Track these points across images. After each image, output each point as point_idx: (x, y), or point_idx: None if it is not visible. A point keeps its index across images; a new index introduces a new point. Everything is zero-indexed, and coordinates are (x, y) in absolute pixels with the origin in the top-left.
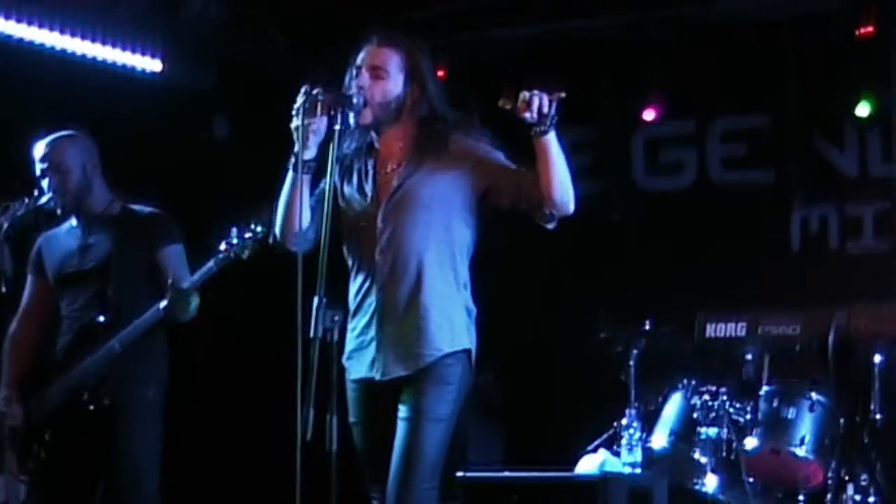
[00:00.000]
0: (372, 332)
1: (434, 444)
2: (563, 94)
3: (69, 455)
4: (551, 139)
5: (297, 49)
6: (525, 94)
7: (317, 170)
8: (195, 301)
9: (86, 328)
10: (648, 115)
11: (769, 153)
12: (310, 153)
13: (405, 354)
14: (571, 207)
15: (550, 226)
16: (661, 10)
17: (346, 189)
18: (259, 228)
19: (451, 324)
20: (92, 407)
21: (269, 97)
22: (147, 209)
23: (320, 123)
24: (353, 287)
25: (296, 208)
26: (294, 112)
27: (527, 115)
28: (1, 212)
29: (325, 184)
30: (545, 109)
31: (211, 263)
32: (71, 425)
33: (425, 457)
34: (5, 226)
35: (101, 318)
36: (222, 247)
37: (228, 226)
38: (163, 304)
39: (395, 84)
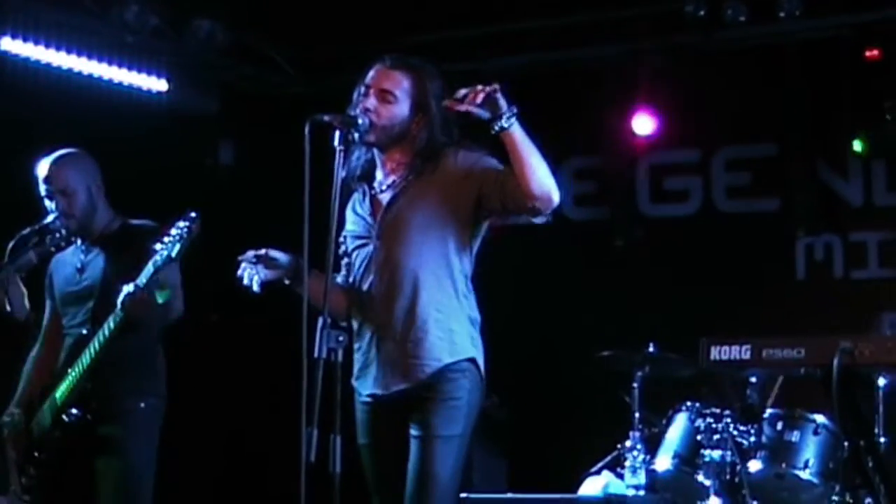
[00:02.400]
0: (374, 350)
1: (448, 462)
2: (496, 86)
3: (61, 472)
4: (514, 132)
5: (301, 75)
6: (460, 92)
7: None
8: (167, 305)
9: (74, 344)
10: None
11: (774, 182)
12: (290, 277)
13: (405, 367)
14: (555, 197)
15: (540, 220)
16: (663, 38)
17: (348, 211)
18: (183, 224)
19: (451, 334)
20: (70, 421)
21: (274, 123)
22: (142, 222)
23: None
24: (355, 306)
25: (328, 299)
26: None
27: (473, 109)
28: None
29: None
30: (479, 98)
31: (149, 265)
32: (59, 442)
33: (440, 477)
34: (11, 248)
35: (84, 332)
36: (158, 246)
37: (163, 227)
38: (118, 308)
39: (401, 109)
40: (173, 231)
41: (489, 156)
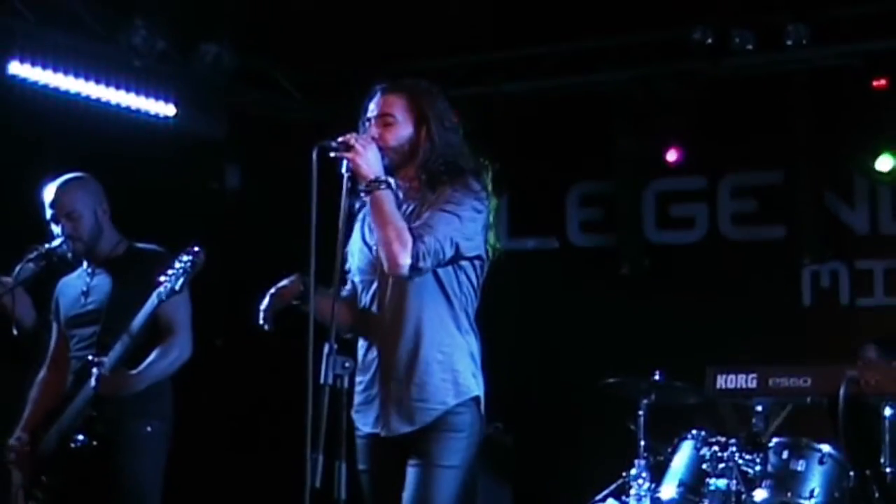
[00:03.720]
0: (376, 389)
1: (445, 493)
2: (360, 153)
3: (67, 496)
4: (368, 201)
5: (308, 100)
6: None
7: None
8: (158, 361)
9: (82, 368)
10: (671, 155)
11: (780, 209)
12: (297, 298)
13: (409, 411)
14: (396, 271)
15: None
16: (671, 64)
17: (356, 241)
18: (186, 259)
19: (456, 375)
20: (76, 447)
21: (281, 147)
22: (149, 248)
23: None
24: (360, 341)
25: (336, 318)
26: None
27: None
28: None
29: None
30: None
31: (154, 297)
32: (64, 468)
33: None
34: (17, 271)
35: (91, 357)
36: (161, 279)
37: (169, 260)
38: (119, 344)
39: (405, 128)
40: (177, 264)
41: (454, 191)
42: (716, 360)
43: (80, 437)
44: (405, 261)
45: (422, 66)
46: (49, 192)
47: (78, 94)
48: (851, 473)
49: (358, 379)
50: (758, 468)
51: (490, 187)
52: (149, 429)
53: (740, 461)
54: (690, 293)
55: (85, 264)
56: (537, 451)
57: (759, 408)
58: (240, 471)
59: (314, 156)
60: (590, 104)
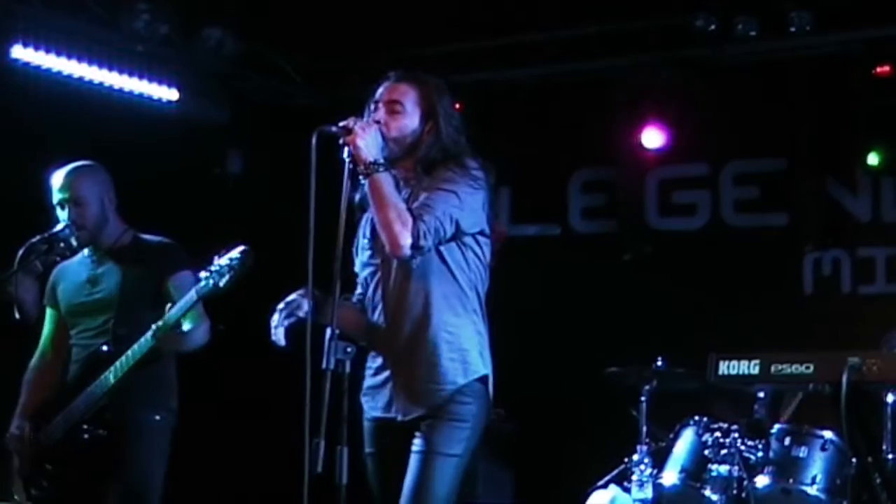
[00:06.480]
0: (386, 373)
1: (445, 480)
2: (360, 136)
3: (71, 485)
4: (366, 184)
5: (310, 86)
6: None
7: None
8: (193, 331)
9: (91, 358)
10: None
11: (782, 197)
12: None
13: (421, 392)
14: (398, 252)
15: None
16: (673, 51)
17: (359, 230)
18: (235, 255)
19: (464, 354)
20: (88, 437)
21: (283, 133)
22: (157, 238)
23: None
24: (368, 327)
25: (336, 315)
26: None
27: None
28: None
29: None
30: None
31: (192, 293)
32: (71, 456)
33: (436, 493)
34: (21, 254)
35: (105, 348)
36: (202, 275)
37: (210, 256)
38: (149, 334)
39: (411, 119)
40: (222, 261)
41: (452, 175)
42: (718, 346)
43: (91, 426)
44: (406, 241)
45: (423, 52)
46: (58, 178)
47: (80, 79)
48: (853, 460)
49: (367, 364)
50: (760, 454)
51: (492, 181)
52: (157, 417)
53: (742, 447)
54: (692, 280)
55: (86, 251)
56: (539, 437)
57: (762, 394)
58: (241, 456)
59: (314, 140)
60: (592, 90)
